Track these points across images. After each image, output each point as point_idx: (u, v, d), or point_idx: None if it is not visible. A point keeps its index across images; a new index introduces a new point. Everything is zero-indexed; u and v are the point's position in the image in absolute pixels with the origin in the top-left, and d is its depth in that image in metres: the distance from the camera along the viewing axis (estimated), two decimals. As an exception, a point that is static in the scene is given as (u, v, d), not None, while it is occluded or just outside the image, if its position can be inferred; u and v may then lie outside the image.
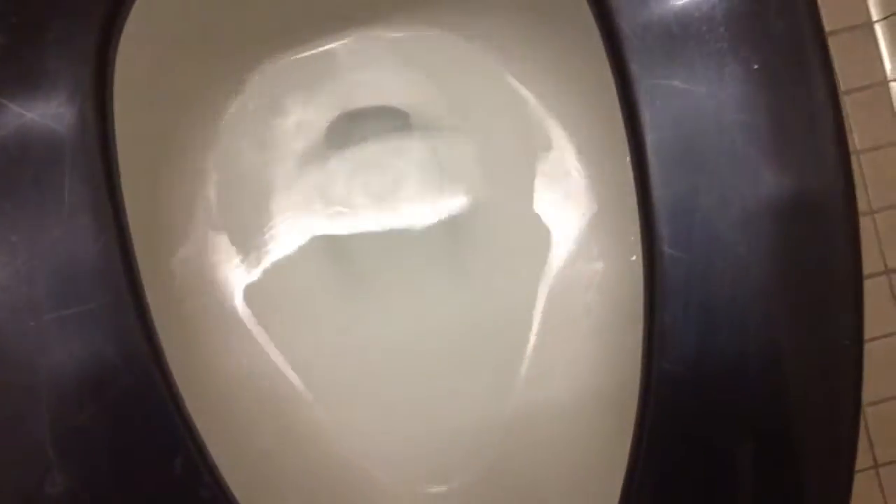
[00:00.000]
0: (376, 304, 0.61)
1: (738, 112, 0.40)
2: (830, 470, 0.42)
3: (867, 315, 0.41)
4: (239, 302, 0.58)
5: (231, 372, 0.55)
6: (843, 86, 0.73)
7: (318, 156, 0.61)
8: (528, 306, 0.58)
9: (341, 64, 0.59)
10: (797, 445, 0.42)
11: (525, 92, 0.57)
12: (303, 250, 0.60)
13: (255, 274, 0.59)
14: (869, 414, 0.73)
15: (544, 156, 0.58)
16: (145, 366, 0.40)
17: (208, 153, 0.57)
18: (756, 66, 0.40)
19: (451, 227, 0.62)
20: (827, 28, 0.42)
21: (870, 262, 0.73)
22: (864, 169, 0.74)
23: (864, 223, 0.73)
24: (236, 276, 0.58)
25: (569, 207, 0.57)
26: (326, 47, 0.58)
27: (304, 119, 0.60)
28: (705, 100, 0.40)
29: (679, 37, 0.41)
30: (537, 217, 0.58)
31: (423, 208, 0.62)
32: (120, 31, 0.43)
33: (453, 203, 0.61)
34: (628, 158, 0.42)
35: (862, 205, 0.58)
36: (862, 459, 0.73)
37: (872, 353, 0.71)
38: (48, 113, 0.41)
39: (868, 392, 0.46)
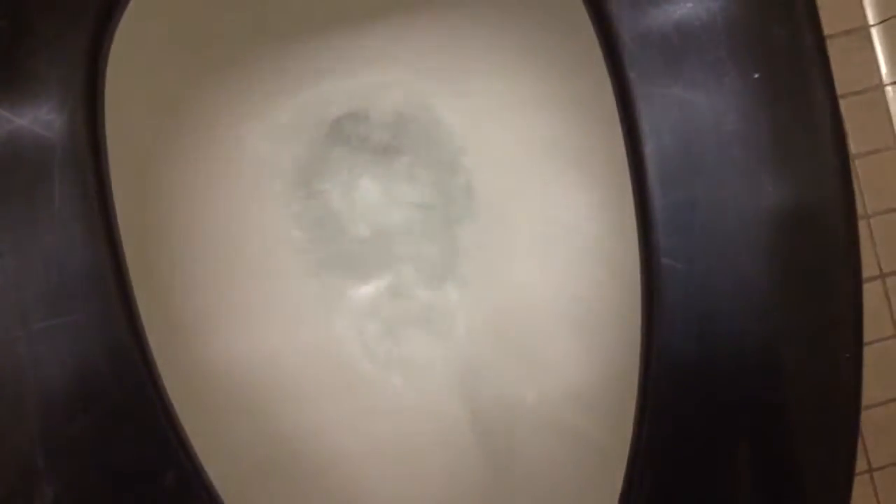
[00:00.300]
0: (365, 303, 0.61)
1: (738, 121, 0.40)
2: (830, 483, 0.41)
3: (862, 319, 0.41)
4: (230, 304, 0.57)
5: (219, 369, 0.55)
6: (839, 89, 0.73)
7: (314, 159, 0.61)
8: (525, 305, 0.58)
9: (339, 67, 0.58)
10: (797, 458, 0.41)
11: (524, 97, 0.57)
12: (292, 253, 0.60)
13: (244, 275, 0.58)
14: (863, 418, 0.73)
15: (544, 158, 0.57)
16: (137, 376, 0.40)
17: (199, 157, 0.56)
18: (756, 76, 0.40)
19: (445, 229, 0.61)
20: (824, 32, 0.41)
21: (865, 267, 0.72)
22: (860, 173, 0.73)
23: (860, 227, 0.72)
24: (227, 278, 0.58)
25: (567, 208, 0.57)
26: (323, 50, 0.57)
27: (299, 122, 0.59)
28: (705, 109, 0.40)
29: (679, 45, 0.40)
30: (535, 219, 0.58)
31: (418, 211, 0.62)
32: (111, 36, 0.42)
33: (449, 207, 0.61)
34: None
35: (857, 209, 0.58)
36: (856, 464, 0.73)
37: (867, 357, 0.71)
38: (38, 119, 0.40)
39: (862, 396, 0.46)
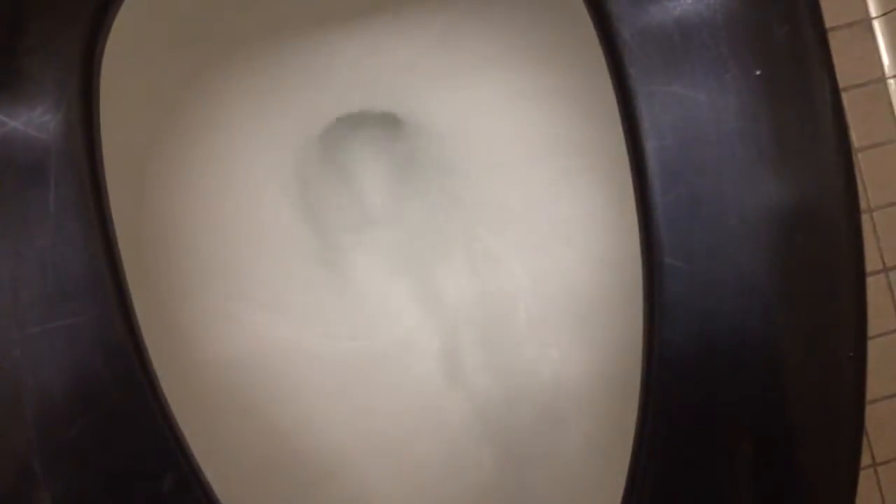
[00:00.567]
0: (362, 299, 0.61)
1: (740, 119, 0.39)
2: (834, 481, 0.41)
3: (865, 313, 0.41)
4: (227, 305, 0.57)
5: (216, 370, 0.55)
6: (841, 83, 0.72)
7: (311, 159, 0.60)
8: (526, 303, 0.58)
9: (337, 67, 0.58)
10: (800, 456, 0.41)
11: (524, 100, 0.57)
12: (290, 253, 0.60)
13: (242, 273, 0.58)
14: (867, 412, 0.73)
15: (543, 154, 0.57)
16: (134, 379, 0.39)
17: (195, 158, 0.56)
18: (758, 73, 0.39)
19: (445, 226, 0.61)
20: (825, 25, 0.41)
21: (868, 260, 0.72)
22: (863, 167, 0.73)
23: (863, 221, 0.72)
24: (225, 278, 0.57)
25: (567, 205, 0.57)
26: (321, 51, 0.57)
27: (299, 122, 0.59)
28: (706, 107, 0.40)
29: (679, 43, 0.40)
30: (534, 215, 0.58)
31: (417, 209, 0.62)
32: (105, 37, 0.42)
33: (447, 202, 0.61)
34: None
35: (860, 202, 0.58)
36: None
37: (870, 351, 0.70)
38: (32, 121, 0.39)
39: (866, 390, 0.46)
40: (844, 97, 0.72)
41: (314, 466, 0.55)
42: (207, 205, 0.57)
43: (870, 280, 0.73)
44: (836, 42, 0.72)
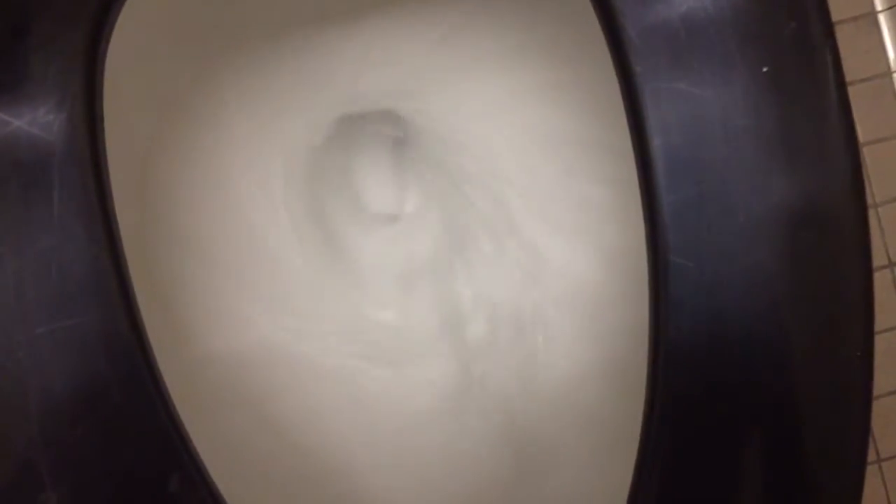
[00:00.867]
0: (366, 297, 0.61)
1: (746, 116, 0.39)
2: (841, 478, 0.41)
3: (871, 308, 0.40)
4: (231, 301, 0.57)
5: (221, 369, 0.55)
6: (846, 77, 0.72)
7: (314, 158, 0.60)
8: (530, 294, 0.57)
9: (342, 66, 0.58)
10: (808, 455, 0.41)
11: (528, 98, 0.56)
12: (295, 248, 0.60)
13: (246, 271, 0.58)
14: (872, 408, 0.73)
15: (548, 152, 0.57)
16: (139, 378, 0.39)
17: (198, 157, 0.56)
18: (765, 69, 0.39)
19: (449, 225, 0.61)
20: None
21: (873, 256, 0.72)
22: (868, 161, 0.73)
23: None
24: (229, 276, 0.57)
25: (572, 204, 0.57)
26: (325, 48, 0.57)
27: (302, 121, 0.59)
28: (712, 104, 0.39)
29: (686, 39, 0.39)
30: (539, 213, 0.57)
31: (420, 208, 0.62)
32: (109, 34, 0.41)
33: (452, 200, 0.61)
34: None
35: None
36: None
37: (877, 346, 0.71)
38: (36, 121, 0.39)
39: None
40: (850, 92, 0.72)
41: (318, 463, 0.55)
42: (210, 203, 0.57)
43: (875, 276, 0.73)
44: (841, 36, 0.71)
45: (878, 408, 0.73)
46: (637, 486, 0.41)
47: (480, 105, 0.59)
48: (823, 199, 0.40)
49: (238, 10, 0.53)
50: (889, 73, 0.73)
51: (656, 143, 0.40)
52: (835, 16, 0.41)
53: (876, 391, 0.73)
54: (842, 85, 0.39)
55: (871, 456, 0.73)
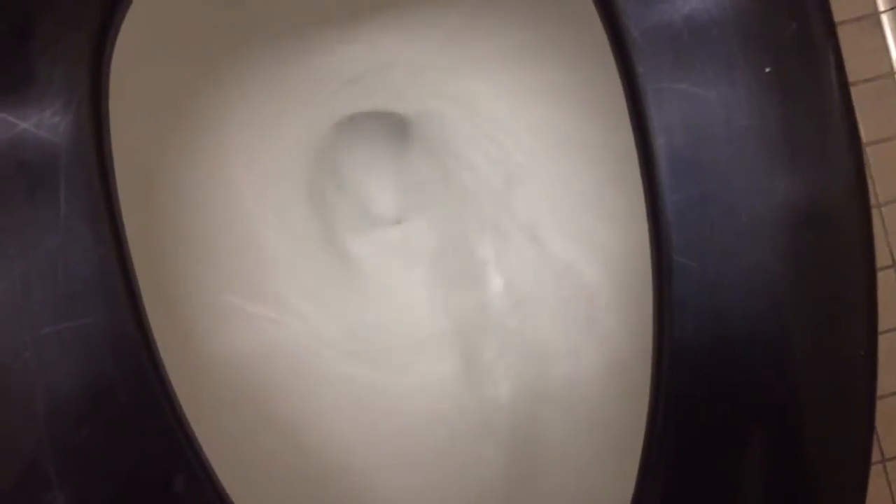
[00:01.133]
0: (370, 297, 0.61)
1: (749, 116, 0.39)
2: (845, 478, 0.41)
3: (875, 308, 0.40)
4: (236, 302, 0.57)
5: (227, 368, 0.55)
6: (848, 77, 0.72)
7: (318, 160, 0.60)
8: (533, 295, 0.58)
9: (343, 67, 0.58)
10: (811, 454, 0.41)
11: (531, 98, 0.56)
12: (301, 244, 0.60)
13: (250, 272, 0.58)
14: (877, 408, 0.73)
15: (553, 156, 0.57)
16: (145, 378, 0.39)
17: (204, 157, 0.56)
18: (767, 70, 0.39)
19: (452, 226, 0.61)
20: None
21: (877, 255, 0.72)
22: (871, 161, 0.73)
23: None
24: (233, 278, 0.57)
25: (577, 205, 0.57)
26: (330, 50, 0.57)
27: (304, 123, 0.59)
28: (715, 104, 0.39)
29: (688, 40, 0.40)
30: (544, 213, 0.57)
31: (424, 209, 0.62)
32: (114, 36, 0.42)
33: (457, 204, 0.61)
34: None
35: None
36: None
37: (880, 346, 0.70)
38: (42, 123, 0.40)
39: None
40: (852, 92, 0.72)
41: (320, 462, 0.55)
42: (213, 205, 0.57)
43: (879, 275, 0.73)
44: (844, 36, 0.71)
45: (881, 407, 0.72)
46: (641, 486, 0.41)
47: (482, 106, 0.59)
48: (826, 198, 0.40)
49: (240, 11, 0.54)
50: (892, 73, 0.73)
51: (659, 143, 0.40)
52: (837, 16, 0.41)
53: (879, 391, 0.73)
54: (844, 85, 0.39)
55: (875, 456, 0.73)
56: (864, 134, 0.72)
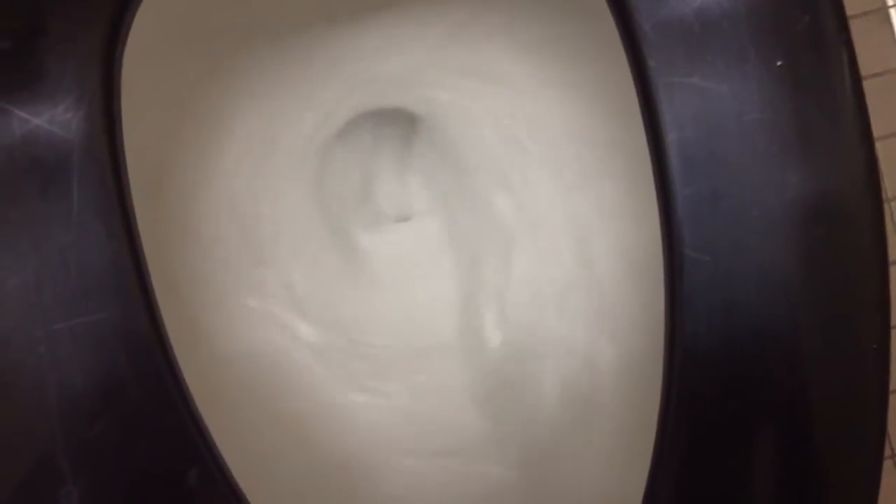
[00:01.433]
0: (379, 295, 0.61)
1: (761, 110, 0.39)
2: (857, 473, 0.41)
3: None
4: (245, 298, 0.57)
5: (239, 363, 0.55)
6: (857, 72, 0.72)
7: (327, 157, 0.60)
8: (546, 291, 0.57)
9: (351, 64, 0.58)
10: (823, 449, 0.41)
11: (541, 94, 0.56)
12: (309, 241, 0.60)
13: (259, 269, 0.58)
14: (889, 403, 0.73)
15: (563, 152, 0.57)
16: (159, 375, 0.40)
17: (215, 153, 0.56)
18: (779, 63, 0.39)
19: (462, 222, 0.61)
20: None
21: (889, 250, 0.72)
22: (880, 157, 0.73)
23: (880, 212, 0.72)
24: (242, 275, 0.58)
25: (587, 199, 0.56)
26: (336, 48, 0.57)
27: (312, 119, 0.59)
28: (727, 98, 0.39)
29: (699, 33, 0.39)
30: (555, 209, 0.57)
31: (433, 206, 0.62)
32: (126, 33, 0.42)
33: (467, 200, 0.61)
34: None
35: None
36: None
37: (892, 341, 0.70)
38: (55, 119, 0.40)
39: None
40: (861, 87, 0.72)
41: (329, 458, 0.55)
42: (224, 202, 0.57)
43: (891, 270, 0.73)
44: (852, 31, 0.71)
45: (894, 402, 0.72)
46: (652, 483, 0.41)
47: (490, 102, 0.59)
48: (839, 193, 0.40)
49: (248, 10, 0.54)
50: (901, 68, 0.73)
51: (671, 137, 0.40)
52: (847, 11, 0.41)
53: (892, 385, 0.73)
54: (857, 79, 0.39)
55: (886, 451, 0.73)
56: (873, 129, 0.72)
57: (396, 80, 0.59)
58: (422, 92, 0.60)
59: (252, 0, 0.54)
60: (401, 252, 0.62)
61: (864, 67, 0.72)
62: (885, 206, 0.72)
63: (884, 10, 0.73)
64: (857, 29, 0.72)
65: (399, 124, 0.63)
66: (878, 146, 0.72)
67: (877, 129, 0.72)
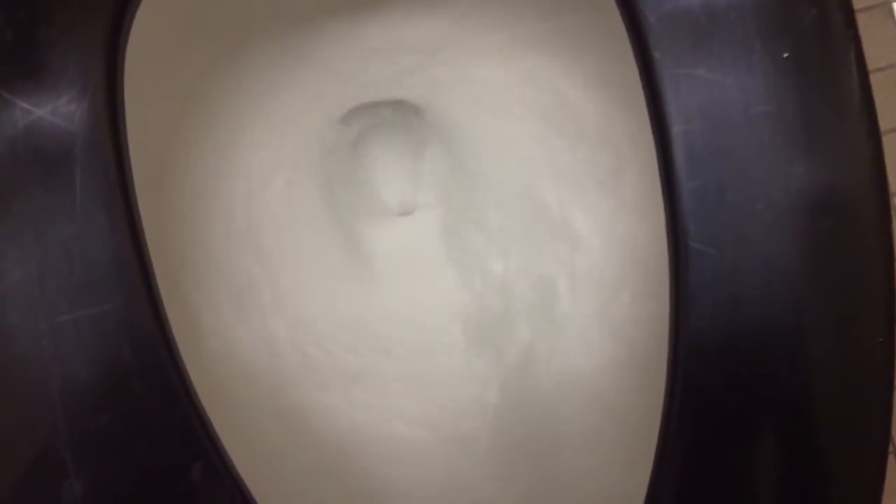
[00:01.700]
0: (383, 290, 0.61)
1: (767, 103, 0.39)
2: (861, 467, 0.41)
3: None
4: (247, 292, 0.57)
5: (241, 357, 0.55)
6: (861, 67, 0.72)
7: (331, 150, 0.60)
8: (551, 286, 0.57)
9: (355, 56, 0.58)
10: (827, 443, 0.41)
11: (549, 85, 0.56)
12: (312, 236, 0.60)
13: (263, 263, 0.58)
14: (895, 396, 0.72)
15: (568, 145, 0.57)
16: (162, 368, 0.39)
17: (216, 149, 0.56)
18: (786, 55, 0.39)
19: (467, 216, 0.61)
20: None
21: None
22: (885, 150, 0.73)
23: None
24: (245, 269, 0.57)
25: (592, 194, 0.56)
26: (337, 39, 0.57)
27: (315, 112, 0.59)
28: (733, 90, 0.39)
29: (705, 25, 0.39)
30: (560, 204, 0.57)
31: (436, 200, 0.62)
32: (129, 24, 0.42)
33: (472, 194, 0.60)
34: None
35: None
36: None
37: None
38: (58, 110, 0.39)
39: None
40: (864, 81, 0.72)
41: (332, 455, 0.55)
42: (226, 195, 0.57)
43: None
44: (856, 26, 0.71)
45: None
46: (656, 478, 0.41)
47: (494, 94, 0.58)
48: (845, 186, 0.40)
49: (252, 2, 0.54)
50: (904, 62, 0.73)
51: (676, 129, 0.39)
52: (852, 5, 0.41)
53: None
54: (864, 72, 0.39)
55: (892, 445, 0.73)
56: (878, 124, 0.72)
57: (400, 73, 0.59)
58: (426, 85, 0.60)
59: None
60: (405, 244, 0.62)
61: (868, 62, 0.72)
62: (891, 201, 0.72)
63: (888, 5, 0.73)
64: (861, 24, 0.72)
65: (403, 118, 0.63)
66: (884, 140, 0.72)
67: (882, 123, 0.72)
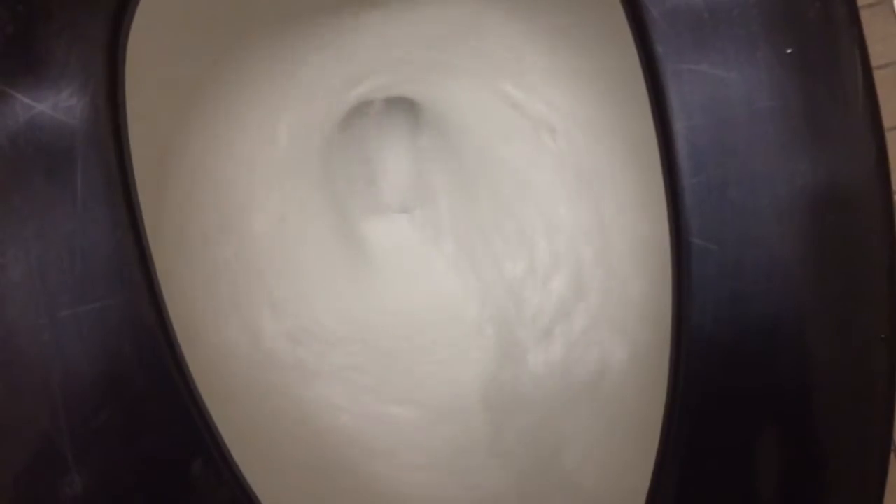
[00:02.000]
0: (385, 285, 0.61)
1: (770, 98, 0.39)
2: (864, 464, 0.41)
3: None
4: (249, 288, 0.57)
5: (241, 353, 0.55)
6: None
7: (333, 145, 0.60)
8: (552, 283, 0.57)
9: (356, 53, 0.58)
10: (830, 440, 0.41)
11: (548, 83, 0.56)
12: (312, 232, 0.60)
13: (264, 260, 0.58)
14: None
15: (572, 142, 0.57)
16: (163, 364, 0.39)
17: (217, 145, 0.56)
18: (789, 51, 0.39)
19: (469, 211, 0.61)
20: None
21: None
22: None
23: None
24: (245, 265, 0.57)
25: (595, 191, 0.56)
26: (340, 36, 0.57)
27: (316, 109, 0.59)
28: (736, 85, 0.39)
29: (709, 20, 0.39)
30: (562, 201, 0.57)
31: (437, 197, 0.62)
32: (131, 19, 0.41)
33: (474, 190, 0.60)
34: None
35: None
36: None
37: None
38: (59, 105, 0.39)
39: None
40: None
41: (332, 453, 0.55)
42: (228, 191, 0.57)
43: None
44: (858, 23, 0.71)
45: (897, 395, 0.72)
46: (659, 475, 0.41)
47: (495, 91, 0.58)
48: (848, 181, 0.39)
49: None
50: (906, 60, 0.73)
51: (679, 125, 0.39)
52: (855, 1, 0.41)
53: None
54: (867, 68, 0.39)
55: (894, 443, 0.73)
56: (879, 121, 0.72)
57: (402, 69, 0.59)
58: (426, 81, 0.60)
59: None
60: (407, 239, 0.62)
61: (870, 59, 0.72)
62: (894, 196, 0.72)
63: (889, 3, 0.73)
64: (863, 21, 0.72)
65: (404, 113, 0.63)
66: (886, 137, 0.72)
67: (884, 121, 0.72)
